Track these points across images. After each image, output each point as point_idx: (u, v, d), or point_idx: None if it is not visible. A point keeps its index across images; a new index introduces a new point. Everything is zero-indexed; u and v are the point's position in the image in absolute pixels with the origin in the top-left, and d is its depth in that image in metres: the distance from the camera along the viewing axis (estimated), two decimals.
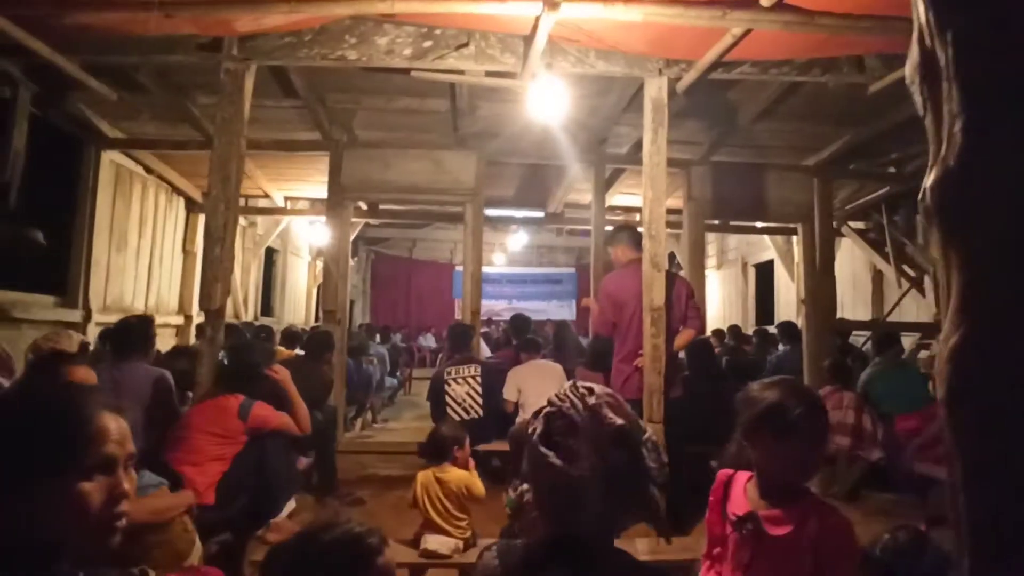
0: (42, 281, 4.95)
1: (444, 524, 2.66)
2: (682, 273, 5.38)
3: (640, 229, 3.58)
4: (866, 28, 2.88)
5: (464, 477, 2.77)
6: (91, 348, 4.57)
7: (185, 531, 1.89)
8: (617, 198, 6.95)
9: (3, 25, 2.97)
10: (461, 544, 2.66)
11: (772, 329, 7.65)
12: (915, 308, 7.06)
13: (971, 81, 0.62)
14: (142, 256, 6.28)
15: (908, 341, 6.54)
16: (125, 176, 5.87)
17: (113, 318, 4.85)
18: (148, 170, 6.17)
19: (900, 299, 7.16)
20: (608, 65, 3.52)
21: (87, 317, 5.23)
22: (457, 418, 4.22)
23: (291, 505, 3.07)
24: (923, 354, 6.43)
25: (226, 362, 3.07)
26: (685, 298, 3.60)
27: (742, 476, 1.54)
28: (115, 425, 0.94)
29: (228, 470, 2.64)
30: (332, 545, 1.09)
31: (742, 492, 1.50)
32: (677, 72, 3.58)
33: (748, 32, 2.95)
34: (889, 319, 7.11)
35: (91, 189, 5.35)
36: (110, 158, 5.54)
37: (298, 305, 10.70)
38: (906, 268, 7.19)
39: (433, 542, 2.59)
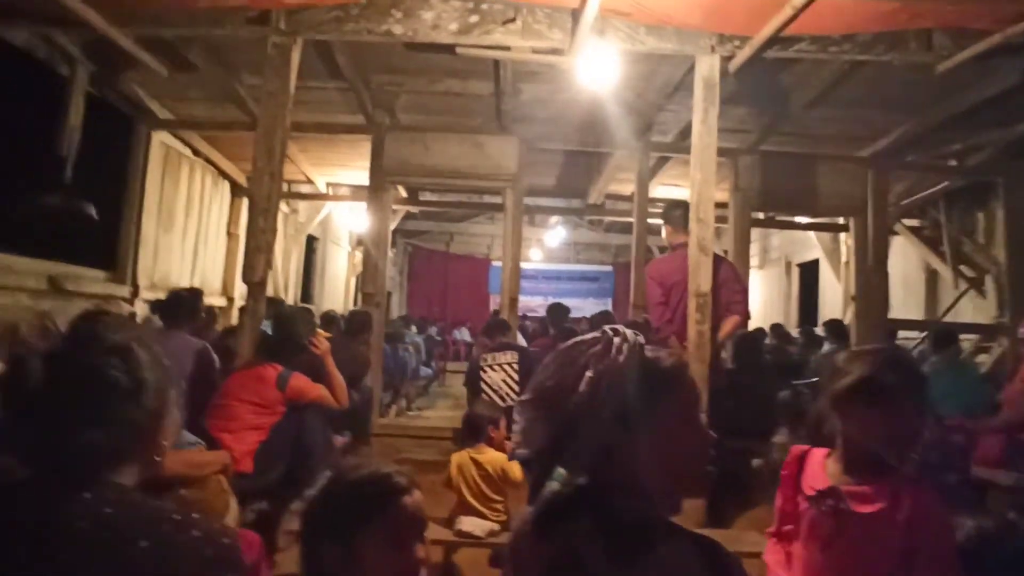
0: (92, 256, 5.09)
1: (480, 506, 2.60)
2: None
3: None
4: None
5: (501, 459, 2.71)
6: (138, 321, 4.67)
7: (222, 490, 1.88)
8: (660, 190, 6.80)
9: None
10: (497, 526, 2.60)
11: (818, 329, 7.38)
12: (972, 310, 6.71)
13: None
14: (188, 236, 6.41)
15: (966, 345, 6.22)
16: (174, 157, 5.99)
17: (159, 295, 4.95)
18: (196, 152, 6.29)
19: (957, 300, 6.82)
20: (659, 41, 3.41)
21: (135, 293, 5.35)
22: (496, 406, 4.17)
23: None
24: (982, 357, 6.11)
25: (269, 332, 3.09)
26: (731, 282, 3.47)
27: (819, 452, 1.44)
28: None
29: (266, 439, 2.64)
30: (358, 484, 1.07)
31: (820, 467, 1.40)
32: (731, 49, 3.44)
33: (811, 1, 2.80)
34: (944, 321, 6.77)
35: (141, 168, 5.48)
36: (160, 139, 5.67)
37: (337, 293, 10.83)
38: (963, 268, 6.85)
39: (468, 523, 2.54)
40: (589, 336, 0.93)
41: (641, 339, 0.91)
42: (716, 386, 3.29)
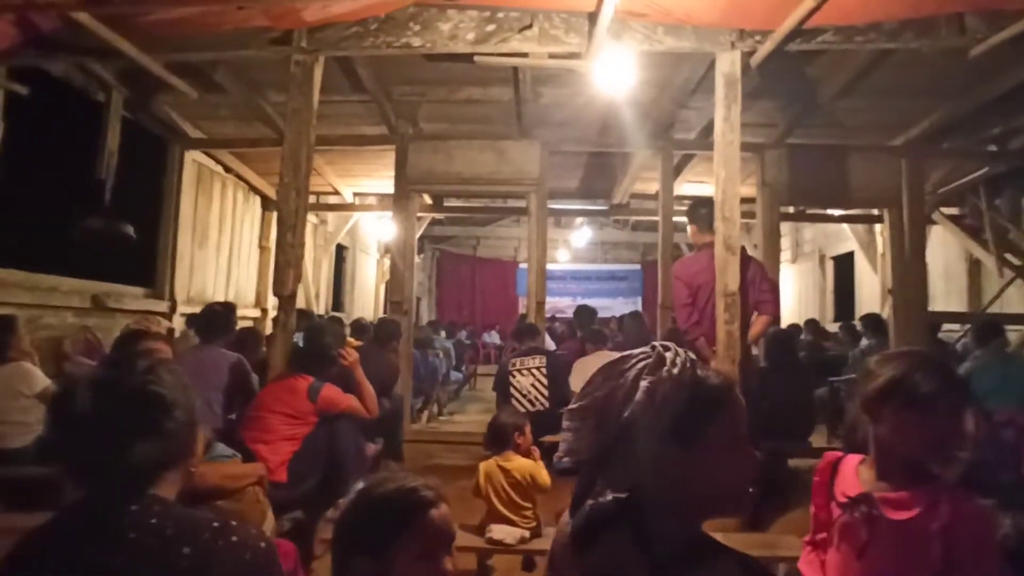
0: (131, 274, 5.28)
1: (509, 514, 2.61)
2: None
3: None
4: None
5: (529, 466, 2.71)
6: (176, 335, 4.82)
7: (258, 501, 1.93)
8: (685, 187, 6.72)
9: (93, 26, 3.15)
10: (527, 533, 2.60)
11: (856, 323, 7.19)
12: (1019, 299, 6.46)
13: None
14: (222, 251, 6.58)
15: (1013, 337, 5.98)
16: (206, 175, 6.17)
17: (196, 309, 5.10)
18: (227, 169, 6.47)
19: (1003, 289, 6.57)
20: (677, 40, 3.38)
21: (172, 308, 5.53)
22: (522, 409, 4.17)
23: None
24: None
25: (300, 344, 3.16)
26: (759, 281, 3.41)
27: (853, 458, 1.41)
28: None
29: (299, 450, 2.69)
30: (386, 498, 1.09)
31: (853, 473, 1.37)
32: (752, 45, 3.39)
33: None
34: (989, 311, 6.53)
35: (176, 187, 5.66)
36: (192, 158, 5.84)
37: (367, 301, 10.98)
38: (1009, 256, 6.59)
39: (499, 532, 2.55)
40: (639, 351, 0.94)
41: (692, 356, 0.91)
42: (748, 387, 3.24)
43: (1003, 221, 6.57)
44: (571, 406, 0.94)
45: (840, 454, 1.46)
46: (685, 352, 0.91)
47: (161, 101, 5.08)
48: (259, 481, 1.95)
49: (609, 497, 0.88)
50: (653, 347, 0.93)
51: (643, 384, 0.87)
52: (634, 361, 0.91)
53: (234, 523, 0.96)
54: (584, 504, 0.91)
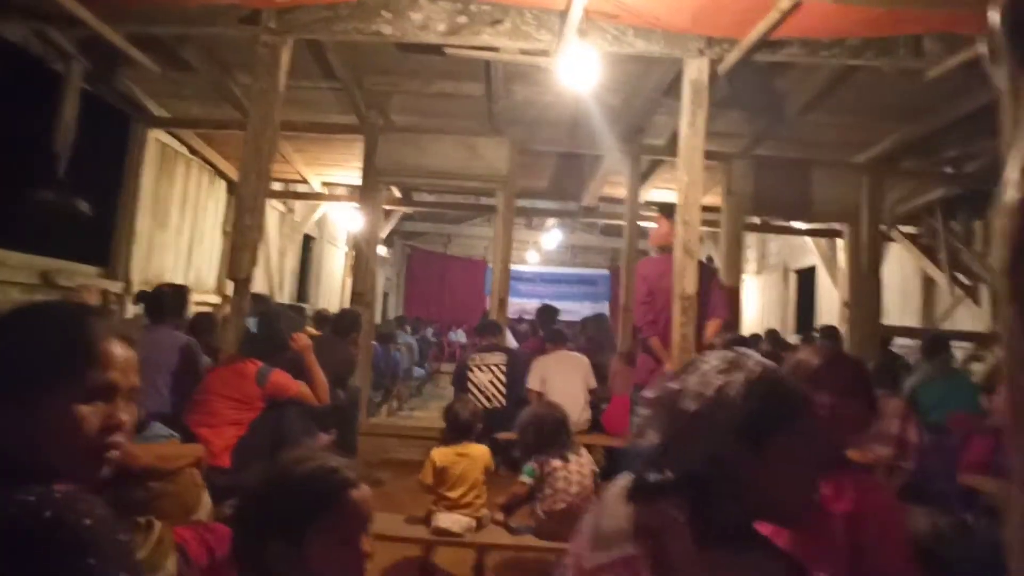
0: (86, 251, 5.11)
1: (459, 502, 2.60)
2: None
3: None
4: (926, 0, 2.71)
5: (487, 453, 2.75)
6: (126, 315, 4.69)
7: (194, 484, 1.88)
8: (653, 193, 6.80)
9: None
10: (474, 523, 2.60)
11: (815, 335, 7.36)
12: (968, 318, 6.69)
13: None
14: (183, 234, 6.42)
15: (960, 353, 6.19)
16: (170, 155, 6.01)
17: None
18: (192, 151, 6.31)
19: (952, 308, 6.80)
20: (647, 44, 3.41)
21: (127, 288, 5.37)
22: (479, 405, 4.17)
23: None
24: (976, 366, 6.09)
25: (252, 329, 3.10)
26: (715, 289, 3.49)
27: None
28: (121, 352, 0.90)
29: (245, 435, 2.64)
30: (306, 478, 1.05)
31: None
32: (719, 52, 3.45)
33: (797, 5, 2.80)
34: (940, 328, 6.75)
35: (136, 166, 5.50)
36: (156, 136, 5.69)
37: (333, 293, 10.83)
38: (960, 276, 6.83)
39: (445, 520, 2.54)
40: (720, 351, 0.96)
41: (775, 366, 0.93)
42: None
43: (956, 242, 6.80)
44: (646, 395, 0.96)
45: None
46: (767, 359, 0.93)
47: (124, 75, 4.93)
48: (196, 463, 1.90)
49: (670, 475, 0.89)
50: (735, 350, 0.95)
51: (717, 381, 0.88)
52: (713, 359, 0.93)
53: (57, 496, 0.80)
54: (647, 475, 0.91)
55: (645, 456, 0.92)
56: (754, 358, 0.93)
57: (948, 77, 3.56)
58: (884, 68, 3.53)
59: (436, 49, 3.65)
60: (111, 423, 0.86)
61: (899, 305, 7.81)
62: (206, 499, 1.99)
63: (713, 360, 0.93)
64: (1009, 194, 0.39)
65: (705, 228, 7.77)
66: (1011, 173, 0.40)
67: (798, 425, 0.88)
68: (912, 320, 7.55)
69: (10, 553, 0.73)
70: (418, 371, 8.29)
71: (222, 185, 7.12)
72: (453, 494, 2.58)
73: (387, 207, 7.53)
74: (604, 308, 15.39)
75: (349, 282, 11.12)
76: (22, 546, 0.73)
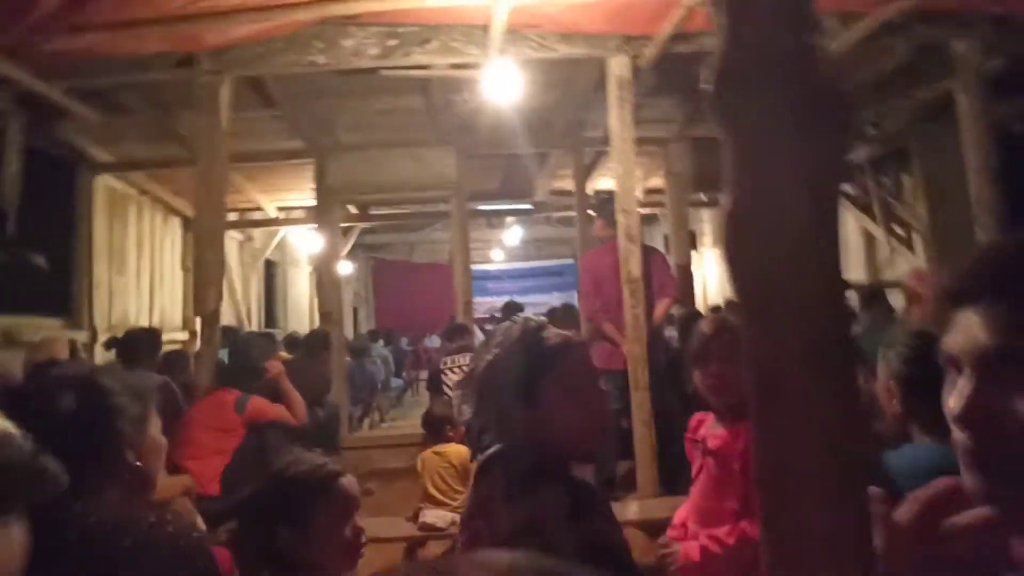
0: (47, 305, 5.10)
1: (443, 498, 2.78)
2: (669, 256, 5.48)
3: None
4: None
5: (464, 451, 2.91)
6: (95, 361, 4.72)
7: (186, 512, 2.01)
8: (602, 182, 7.04)
9: None
10: (459, 517, 2.78)
11: None
12: (907, 267, 7.10)
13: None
14: (143, 276, 6.43)
15: (900, 300, 6.59)
16: (120, 199, 6.01)
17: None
18: (142, 191, 6.31)
19: (891, 259, 7.22)
20: (570, 47, 3.62)
21: (93, 337, 5.38)
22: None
23: None
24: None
25: (225, 360, 3.21)
26: (661, 270, 3.71)
27: (711, 415, 1.68)
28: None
29: (230, 463, 2.76)
30: (301, 474, 1.26)
31: (707, 425, 1.66)
32: (638, 48, 3.67)
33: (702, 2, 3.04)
34: (884, 279, 7.16)
35: (88, 213, 5.50)
36: (103, 182, 5.69)
37: (301, 315, 10.84)
38: (896, 228, 7.24)
39: (430, 515, 2.71)
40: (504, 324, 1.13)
41: (540, 322, 1.10)
42: (656, 365, 3.52)
43: (888, 197, 7.21)
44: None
45: (707, 414, 1.73)
46: (532, 320, 1.10)
47: (64, 126, 4.94)
48: (186, 492, 2.03)
49: (494, 447, 1.07)
50: (513, 319, 1.12)
51: (492, 352, 1.06)
52: (497, 334, 1.11)
53: (169, 517, 1.06)
54: (478, 454, 1.09)
55: (471, 429, 1.10)
56: (521, 324, 1.09)
57: (850, 50, 3.86)
58: None
59: (371, 70, 3.80)
60: None
61: (844, 262, 8.21)
62: (199, 525, 2.13)
63: (497, 335, 1.11)
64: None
65: (657, 209, 8.10)
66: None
67: (561, 371, 1.04)
68: (858, 274, 7.97)
69: None
70: (396, 381, 8.41)
71: (176, 222, 7.12)
72: (436, 492, 2.75)
73: (345, 224, 7.62)
74: (573, 297, 15.68)
75: (317, 302, 11.16)
76: None
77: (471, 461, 2.72)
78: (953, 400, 0.56)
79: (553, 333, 1.10)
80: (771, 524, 0.59)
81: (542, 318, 1.13)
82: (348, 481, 1.30)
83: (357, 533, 1.27)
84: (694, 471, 1.63)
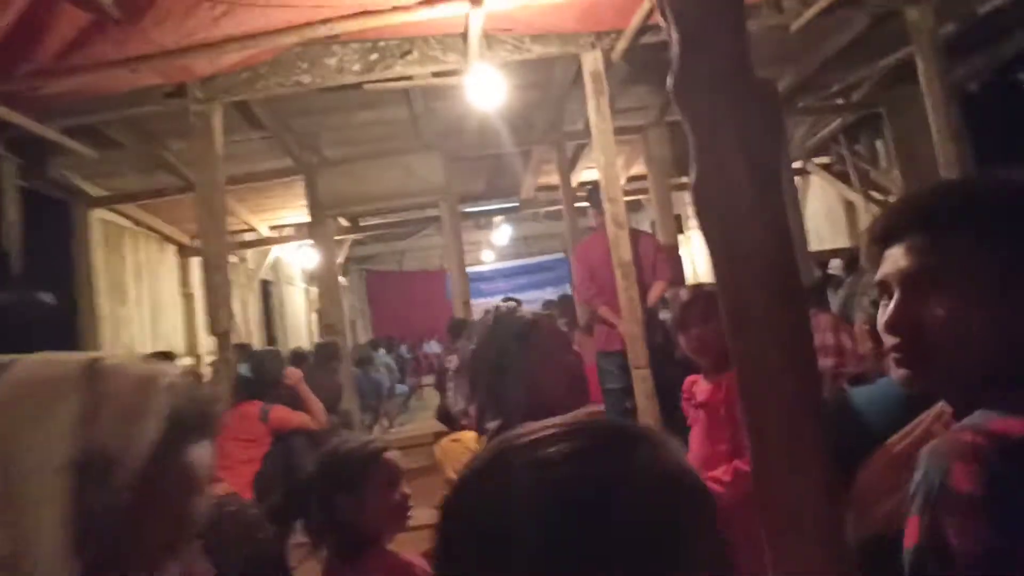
0: (55, 341, 5.19)
1: None
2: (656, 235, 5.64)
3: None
4: None
5: (475, 436, 3.06)
6: None
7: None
8: (586, 173, 7.21)
9: None
10: None
11: None
12: None
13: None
14: (143, 306, 6.53)
15: None
16: (115, 231, 6.12)
17: None
18: (136, 223, 6.42)
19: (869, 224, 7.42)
20: (544, 47, 3.78)
21: None
22: None
23: None
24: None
25: (244, 373, 3.35)
26: (653, 252, 3.87)
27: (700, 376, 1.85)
28: None
29: (260, 469, 2.91)
30: (355, 449, 1.44)
31: (699, 383, 1.82)
32: (609, 43, 3.83)
33: None
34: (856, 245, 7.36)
35: (85, 249, 5.60)
36: (98, 216, 5.80)
37: (300, 332, 10.96)
38: (874, 193, 7.45)
39: None
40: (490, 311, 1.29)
41: (510, 306, 1.26)
42: (653, 343, 3.68)
43: (863, 164, 7.42)
44: (451, 370, 1.32)
45: (697, 376, 1.90)
46: (501, 306, 1.26)
47: (58, 164, 5.05)
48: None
49: (494, 423, 1.23)
50: (487, 312, 1.29)
51: (471, 345, 1.22)
52: (475, 328, 1.27)
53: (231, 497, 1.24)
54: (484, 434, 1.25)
55: (473, 414, 1.26)
56: (493, 312, 1.24)
57: (810, 26, 4.05)
58: (752, 28, 3.97)
59: (355, 85, 3.94)
60: None
61: (829, 230, 8.43)
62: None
63: (476, 329, 1.27)
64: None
65: (642, 196, 8.28)
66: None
67: (532, 343, 1.19)
68: (843, 242, 8.18)
69: None
70: (400, 388, 8.54)
71: (172, 249, 7.23)
72: (454, 476, 2.90)
73: (338, 237, 7.75)
74: (567, 290, 15.84)
75: (314, 318, 11.26)
76: None
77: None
78: (883, 314, 0.73)
79: (522, 312, 1.27)
80: (753, 428, 0.75)
81: (512, 303, 1.30)
82: (393, 454, 1.47)
83: (404, 498, 1.44)
84: (691, 425, 1.80)
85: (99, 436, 0.51)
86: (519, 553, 0.40)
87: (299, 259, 10.35)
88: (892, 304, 0.71)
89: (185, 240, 7.19)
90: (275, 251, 9.17)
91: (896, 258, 0.71)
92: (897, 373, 0.71)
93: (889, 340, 0.71)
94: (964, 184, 0.90)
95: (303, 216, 6.66)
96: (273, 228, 8.00)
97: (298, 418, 3.09)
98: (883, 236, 0.75)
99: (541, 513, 0.41)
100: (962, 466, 0.56)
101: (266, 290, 9.79)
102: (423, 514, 2.83)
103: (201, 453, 0.58)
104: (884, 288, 0.74)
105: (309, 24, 3.11)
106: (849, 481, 0.86)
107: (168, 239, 7.07)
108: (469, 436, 3.07)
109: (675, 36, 0.71)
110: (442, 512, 0.48)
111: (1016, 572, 0.51)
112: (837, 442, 0.85)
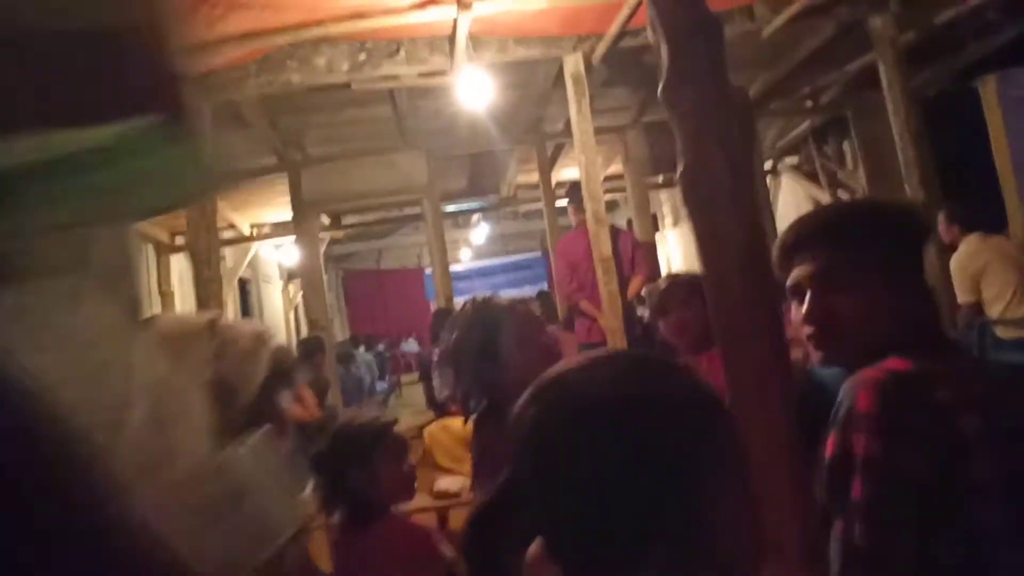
0: None
1: (453, 465, 3.04)
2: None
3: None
4: None
5: (462, 421, 3.19)
6: None
7: None
8: (565, 172, 7.36)
9: None
10: (470, 482, 3.05)
11: None
12: None
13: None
14: None
15: None
16: None
17: None
18: None
19: None
20: (527, 50, 3.91)
21: None
22: None
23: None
24: None
25: None
26: (632, 248, 4.03)
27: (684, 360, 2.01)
28: None
29: None
30: (366, 424, 1.55)
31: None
32: (589, 46, 3.98)
33: (643, 2, 3.35)
34: None
35: None
36: None
37: (278, 330, 10.92)
38: (840, 192, 7.74)
39: (443, 482, 2.97)
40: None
41: (486, 296, 1.39)
42: (632, 336, 3.84)
43: (831, 164, 7.71)
44: (435, 360, 1.44)
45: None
46: (478, 296, 1.40)
47: None
48: None
49: (479, 407, 1.36)
50: (465, 302, 1.42)
51: (454, 335, 1.35)
52: (455, 319, 1.40)
53: None
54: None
55: (458, 399, 1.40)
56: (470, 302, 1.39)
57: (779, 33, 4.26)
58: (726, 35, 4.15)
59: (343, 84, 4.02)
60: None
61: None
62: None
63: (455, 319, 1.41)
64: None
65: (619, 195, 8.46)
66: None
67: (508, 329, 1.32)
68: None
69: None
70: (381, 385, 8.60)
71: (148, 248, 7.18)
72: (445, 461, 3.01)
73: (320, 235, 7.77)
74: (544, 288, 16.00)
75: (292, 316, 11.22)
76: None
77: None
78: (797, 311, 0.88)
79: (498, 300, 1.41)
80: (731, 383, 0.88)
81: (487, 292, 1.44)
82: (399, 429, 1.58)
83: (410, 469, 1.55)
84: None
85: (225, 371, 0.63)
86: (580, 460, 0.50)
87: (277, 256, 10.33)
88: (807, 300, 0.87)
89: (163, 237, 7.15)
90: (254, 249, 9.14)
91: (806, 266, 0.88)
92: (815, 355, 0.87)
93: (807, 330, 0.88)
94: (853, 205, 1.14)
95: (285, 214, 6.68)
96: (254, 226, 7.99)
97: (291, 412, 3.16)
98: (793, 247, 0.91)
99: (594, 425, 0.51)
100: (863, 393, 0.75)
101: (244, 288, 9.74)
102: (417, 500, 2.91)
103: (287, 397, 0.71)
104: (796, 290, 0.90)
105: (303, 25, 3.19)
106: (816, 443, 1.02)
107: (145, 237, 7.02)
108: (456, 423, 3.19)
109: (663, 45, 0.85)
110: (513, 423, 0.58)
111: (903, 471, 0.67)
112: (802, 409, 1.01)
